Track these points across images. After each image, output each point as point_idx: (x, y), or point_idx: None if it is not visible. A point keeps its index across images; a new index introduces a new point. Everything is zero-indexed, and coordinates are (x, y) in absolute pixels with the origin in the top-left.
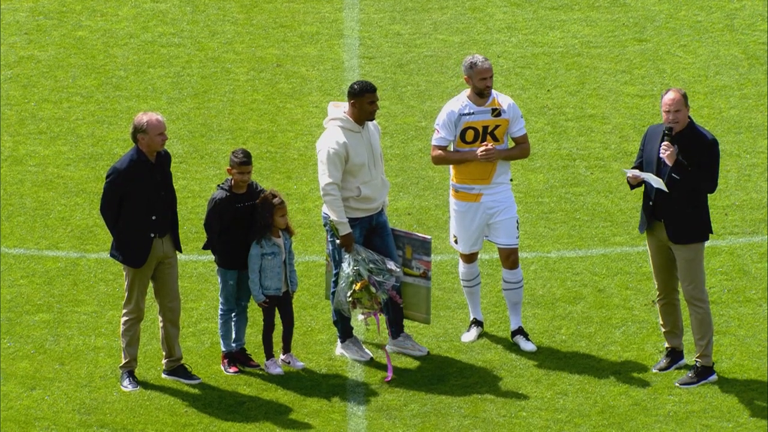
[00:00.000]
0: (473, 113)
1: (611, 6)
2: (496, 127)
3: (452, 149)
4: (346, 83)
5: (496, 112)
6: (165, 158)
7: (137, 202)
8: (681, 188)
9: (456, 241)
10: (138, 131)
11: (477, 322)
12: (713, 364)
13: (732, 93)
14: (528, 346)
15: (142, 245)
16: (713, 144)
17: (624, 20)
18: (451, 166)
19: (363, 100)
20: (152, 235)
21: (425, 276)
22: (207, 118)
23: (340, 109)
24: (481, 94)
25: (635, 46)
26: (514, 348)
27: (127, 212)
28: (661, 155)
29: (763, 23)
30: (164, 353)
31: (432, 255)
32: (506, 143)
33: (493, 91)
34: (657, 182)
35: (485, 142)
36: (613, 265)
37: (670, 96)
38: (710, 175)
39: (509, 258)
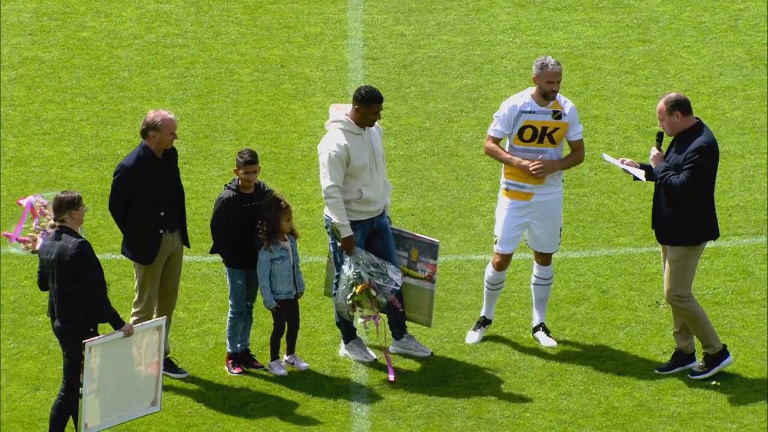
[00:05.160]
0: (534, 112)
1: (615, 7)
2: (555, 129)
3: (507, 144)
4: (350, 84)
5: (557, 115)
6: (172, 154)
7: (145, 198)
8: (667, 189)
9: (496, 242)
10: (150, 128)
11: (485, 321)
12: (724, 347)
13: (736, 94)
14: (549, 342)
15: (151, 242)
16: (697, 150)
17: (628, 21)
18: (503, 165)
19: (368, 110)
20: (161, 231)
21: (430, 279)
22: (211, 118)
23: (341, 111)
24: (546, 96)
25: (639, 47)
26: (518, 349)
27: (135, 209)
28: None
29: (767, 24)
30: None
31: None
32: (561, 147)
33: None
34: (637, 173)
35: (536, 162)
36: (617, 266)
37: (658, 105)
38: (684, 176)
39: (543, 255)
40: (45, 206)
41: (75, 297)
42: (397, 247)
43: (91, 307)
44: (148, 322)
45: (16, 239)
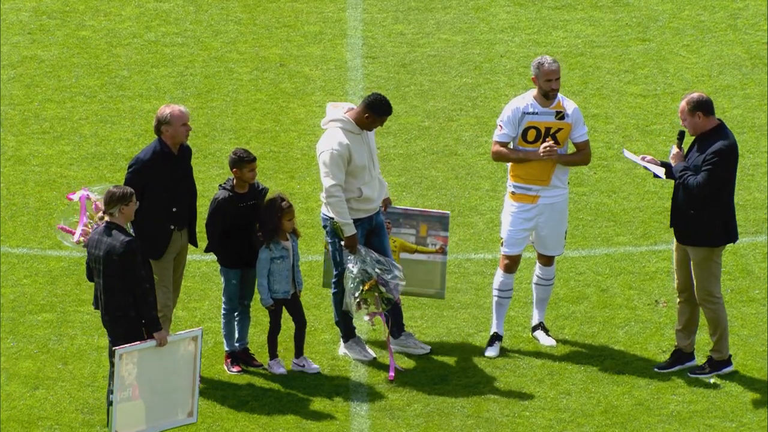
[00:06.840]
0: (537, 113)
1: (614, 5)
2: (559, 130)
3: (512, 147)
4: (349, 83)
5: (560, 115)
6: (187, 151)
7: (159, 193)
8: (684, 190)
9: (502, 244)
10: (162, 123)
11: (497, 337)
12: (729, 356)
13: (735, 93)
14: (548, 341)
15: (161, 237)
16: (716, 153)
17: (627, 20)
18: (509, 168)
19: (377, 120)
20: (172, 227)
21: (441, 251)
22: (210, 117)
23: (338, 109)
24: (546, 95)
25: (638, 46)
26: (517, 347)
27: (148, 203)
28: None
29: (766, 23)
30: None
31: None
32: (566, 148)
33: (559, 94)
34: (657, 170)
35: (547, 144)
36: (617, 264)
37: (680, 104)
38: (701, 177)
39: (547, 256)
40: (99, 201)
41: (120, 293)
42: (404, 225)
43: (137, 304)
44: (183, 332)
45: (80, 237)
